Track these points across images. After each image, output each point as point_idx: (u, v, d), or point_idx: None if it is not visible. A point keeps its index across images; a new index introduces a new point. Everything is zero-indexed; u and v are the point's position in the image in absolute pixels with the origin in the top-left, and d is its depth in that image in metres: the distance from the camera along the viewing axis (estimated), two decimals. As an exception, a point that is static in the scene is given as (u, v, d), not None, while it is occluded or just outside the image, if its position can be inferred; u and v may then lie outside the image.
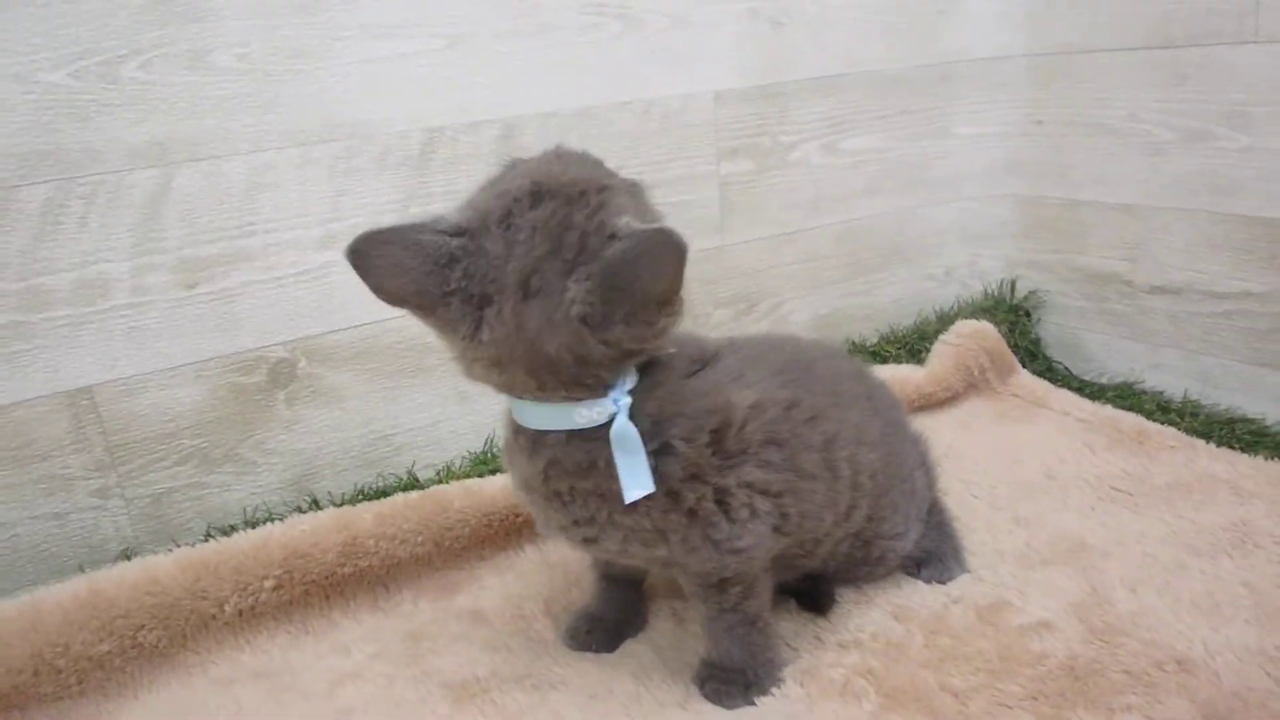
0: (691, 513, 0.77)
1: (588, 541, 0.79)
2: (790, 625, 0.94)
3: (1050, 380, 1.46)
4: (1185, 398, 1.36)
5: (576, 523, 0.78)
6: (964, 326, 1.46)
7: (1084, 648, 0.86)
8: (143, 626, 0.95)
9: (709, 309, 1.43)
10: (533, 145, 1.24)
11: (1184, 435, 1.25)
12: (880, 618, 0.94)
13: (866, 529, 0.91)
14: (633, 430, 0.72)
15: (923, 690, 0.83)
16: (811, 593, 0.94)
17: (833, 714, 0.82)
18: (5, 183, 0.99)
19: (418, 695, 0.90)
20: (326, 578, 1.04)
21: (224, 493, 1.15)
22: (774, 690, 0.85)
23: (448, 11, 1.15)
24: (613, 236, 0.67)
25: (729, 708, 0.83)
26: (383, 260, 0.69)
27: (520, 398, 0.74)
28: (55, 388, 1.05)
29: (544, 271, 0.67)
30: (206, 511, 1.14)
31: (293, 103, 1.10)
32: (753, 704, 0.83)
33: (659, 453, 0.75)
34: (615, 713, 0.85)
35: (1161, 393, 1.39)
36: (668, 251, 0.65)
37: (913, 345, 1.53)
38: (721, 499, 0.77)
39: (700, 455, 0.76)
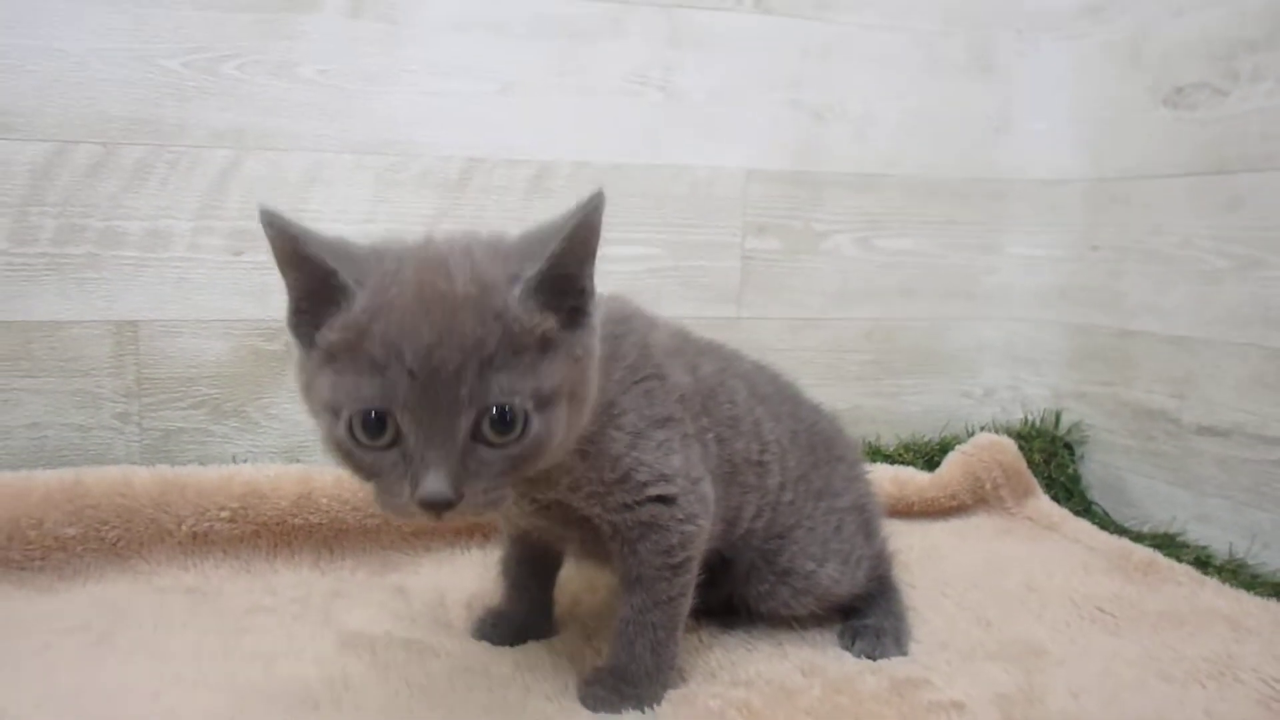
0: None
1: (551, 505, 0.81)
2: (689, 660, 0.92)
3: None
4: (1230, 555, 1.23)
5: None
6: (981, 438, 1.41)
7: None
8: (107, 522, 1.07)
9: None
10: (563, 188, 1.37)
11: (1195, 572, 1.15)
12: (784, 670, 0.89)
13: (775, 521, 0.92)
14: None
15: None
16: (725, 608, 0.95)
17: None
18: (113, 139, 1.20)
19: (310, 634, 0.96)
20: (279, 524, 1.13)
21: (225, 443, 1.28)
22: (648, 708, 0.82)
23: (505, 62, 1.32)
24: None
25: (594, 711, 0.82)
26: None
27: None
28: (109, 316, 1.22)
29: None
30: (206, 457, 1.27)
31: (356, 117, 1.28)
32: (618, 714, 0.81)
33: None
34: (478, 687, 0.87)
35: (1205, 548, 1.26)
36: None
37: (933, 457, 1.48)
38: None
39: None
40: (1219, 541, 1.26)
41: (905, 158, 1.53)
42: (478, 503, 0.65)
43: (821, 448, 0.99)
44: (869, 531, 1.00)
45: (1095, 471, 1.49)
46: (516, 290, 0.66)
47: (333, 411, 0.66)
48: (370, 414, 0.64)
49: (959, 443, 1.48)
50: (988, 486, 1.38)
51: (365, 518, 1.15)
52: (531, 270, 0.66)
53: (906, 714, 0.82)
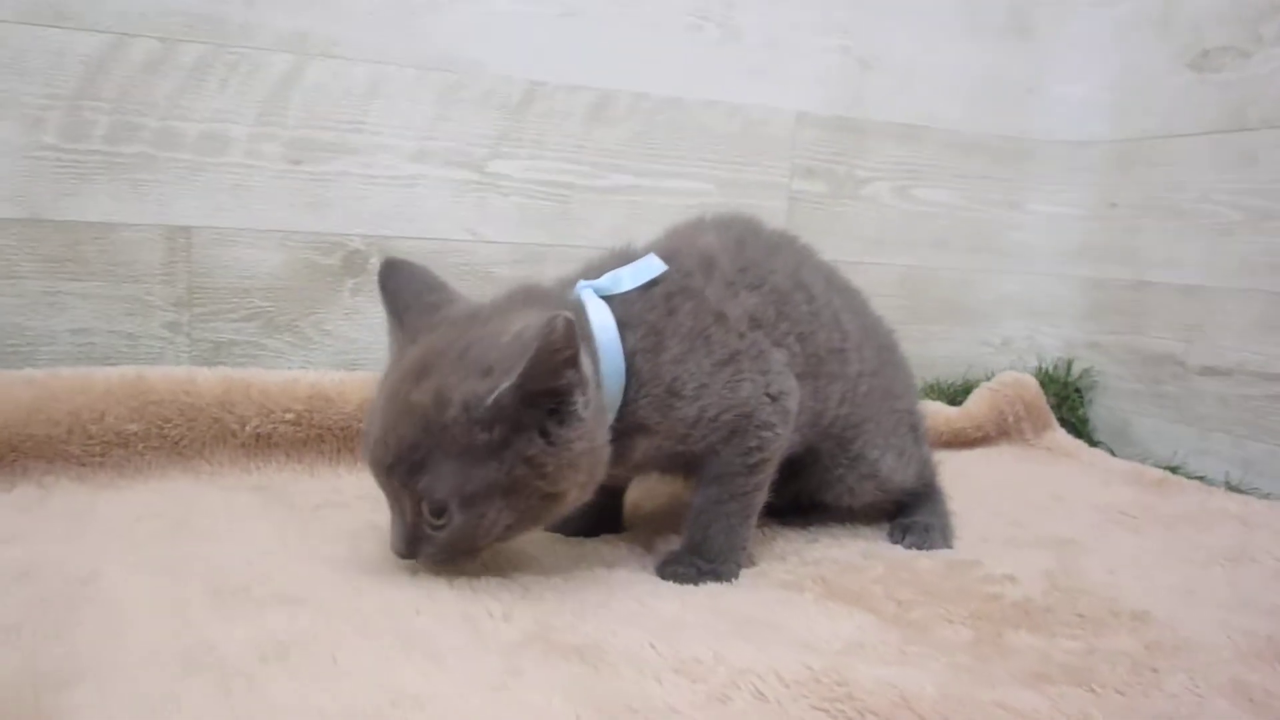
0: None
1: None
2: (755, 549, 0.94)
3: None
4: (1227, 482, 1.32)
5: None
6: (1006, 376, 1.49)
7: (1043, 596, 0.85)
8: (170, 420, 1.04)
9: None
10: (623, 118, 1.37)
11: (1202, 485, 1.24)
12: (848, 555, 0.94)
13: (854, 411, 0.97)
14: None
15: (867, 595, 0.83)
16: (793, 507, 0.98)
17: (773, 596, 0.83)
18: (173, 35, 1.17)
19: (388, 523, 0.94)
20: (343, 429, 1.10)
21: (276, 359, 1.25)
22: (726, 582, 0.86)
23: (571, -15, 1.32)
24: None
25: (676, 582, 0.85)
26: None
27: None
28: (162, 220, 1.19)
29: None
30: (256, 371, 1.23)
31: (422, 31, 1.26)
32: (697, 585, 0.84)
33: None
34: (564, 559, 0.89)
35: (1203, 477, 1.34)
36: None
37: (955, 398, 1.54)
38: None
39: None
40: (1216, 472, 1.36)
41: (946, 112, 1.56)
42: (431, 564, 0.79)
43: (885, 350, 1.05)
44: (917, 436, 1.06)
45: (1101, 414, 1.57)
46: (479, 409, 0.72)
47: None
48: None
49: (978, 385, 1.53)
50: (1010, 420, 1.45)
51: (429, 428, 1.13)
52: (505, 384, 0.72)
53: (964, 585, 0.87)
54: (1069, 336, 1.64)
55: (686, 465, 0.90)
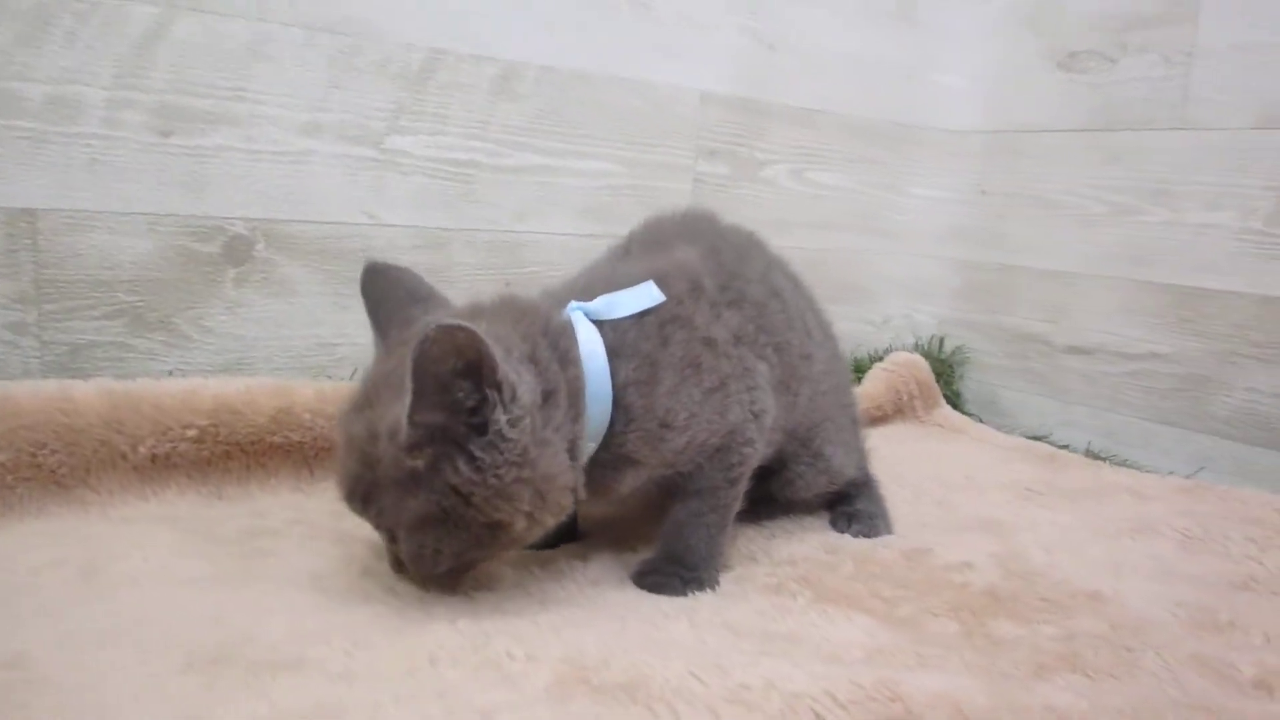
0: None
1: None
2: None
3: (965, 429, 1.54)
4: (1088, 450, 1.46)
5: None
6: (899, 356, 1.57)
7: (1003, 582, 0.89)
8: (45, 445, 0.87)
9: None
10: (530, 93, 1.29)
11: (1087, 460, 1.37)
12: (811, 550, 0.96)
13: (815, 410, 0.98)
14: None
15: (853, 595, 0.85)
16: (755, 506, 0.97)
17: (769, 604, 0.82)
18: (2, -24, 0.96)
19: (338, 551, 0.85)
20: (254, 443, 0.98)
21: (148, 361, 1.08)
22: (709, 589, 0.85)
23: (475, -55, 1.21)
24: None
25: (658, 593, 0.83)
26: None
27: None
28: (-3, 201, 0.98)
29: None
30: (126, 378, 1.05)
31: (311, -15, 1.11)
32: (685, 595, 0.83)
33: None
34: (545, 578, 0.84)
35: (1067, 445, 1.48)
36: None
37: None
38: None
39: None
40: (1079, 441, 1.50)
41: (841, 97, 1.59)
42: (421, 579, 0.78)
43: (831, 341, 1.07)
44: (856, 426, 1.10)
45: (972, 387, 1.70)
46: (400, 435, 0.69)
47: None
48: None
49: (867, 365, 1.62)
50: (905, 398, 1.53)
51: (349, 437, 1.02)
52: (406, 408, 0.68)
53: (928, 575, 0.91)
54: (942, 315, 1.75)
55: (668, 484, 0.87)
